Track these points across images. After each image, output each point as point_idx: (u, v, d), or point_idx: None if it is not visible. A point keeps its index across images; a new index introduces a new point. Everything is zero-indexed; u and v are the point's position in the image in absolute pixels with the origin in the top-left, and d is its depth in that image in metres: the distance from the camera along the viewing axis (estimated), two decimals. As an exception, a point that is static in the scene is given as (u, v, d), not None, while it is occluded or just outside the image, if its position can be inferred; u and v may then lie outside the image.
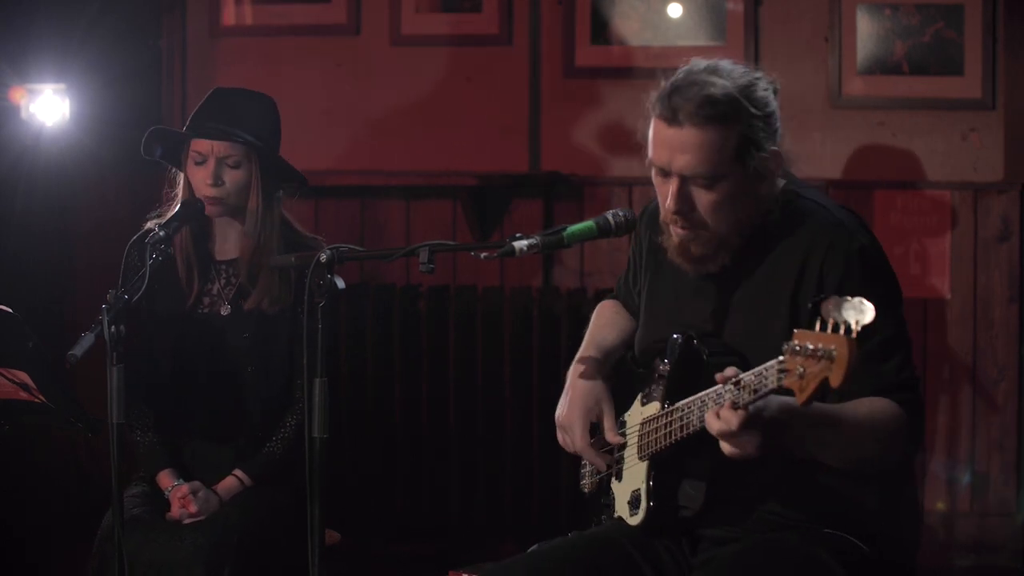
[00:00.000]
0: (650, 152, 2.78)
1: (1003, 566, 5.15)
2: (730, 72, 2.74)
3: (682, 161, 2.72)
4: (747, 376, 2.52)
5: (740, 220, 2.78)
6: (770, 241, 2.80)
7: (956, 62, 5.12)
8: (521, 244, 2.79)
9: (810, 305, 2.39)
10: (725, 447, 2.59)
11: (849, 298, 2.33)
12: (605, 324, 3.17)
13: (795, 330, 2.39)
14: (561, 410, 3.03)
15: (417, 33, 5.45)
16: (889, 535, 2.83)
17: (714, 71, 2.74)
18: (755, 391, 2.50)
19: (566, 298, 5.28)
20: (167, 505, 3.53)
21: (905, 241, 5.14)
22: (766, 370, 2.47)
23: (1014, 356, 5.16)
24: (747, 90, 2.73)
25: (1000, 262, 5.16)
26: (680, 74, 2.76)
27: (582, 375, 3.03)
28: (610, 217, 2.85)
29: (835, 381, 2.32)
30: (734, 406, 2.52)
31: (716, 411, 2.56)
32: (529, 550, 3.02)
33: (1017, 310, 5.15)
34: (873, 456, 2.71)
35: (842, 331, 2.31)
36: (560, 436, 3.03)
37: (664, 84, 2.76)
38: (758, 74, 2.78)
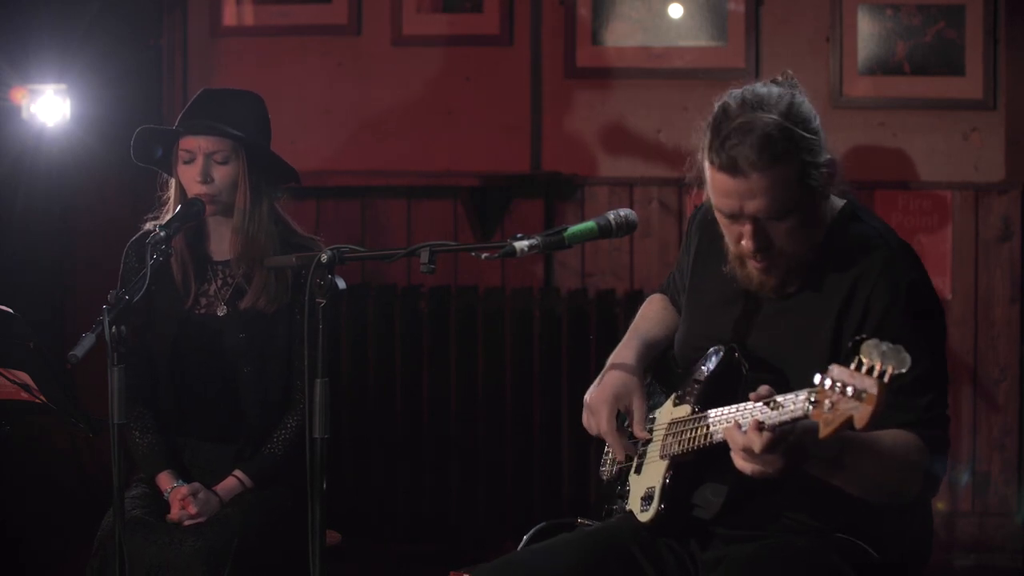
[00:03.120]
0: (713, 198, 2.76)
1: (1003, 566, 5.15)
2: (768, 98, 2.71)
3: (753, 206, 2.69)
4: (780, 398, 2.51)
5: (814, 237, 2.78)
6: (823, 261, 2.79)
7: (957, 62, 5.12)
8: (522, 244, 2.79)
9: (850, 344, 2.36)
10: (744, 466, 2.56)
11: (890, 344, 2.31)
12: (651, 318, 3.17)
13: (831, 365, 2.38)
14: (592, 391, 3.03)
15: (418, 33, 5.45)
16: (901, 542, 2.83)
17: (755, 104, 2.70)
18: (782, 416, 2.49)
19: (567, 299, 5.28)
20: (167, 507, 3.52)
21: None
22: (796, 397, 2.46)
23: (1015, 356, 5.16)
24: (792, 112, 2.70)
25: (1001, 262, 5.16)
26: (721, 114, 2.71)
27: (620, 363, 3.03)
28: (611, 217, 2.85)
29: (859, 423, 2.31)
30: (759, 427, 2.51)
31: (740, 427, 2.55)
32: (532, 531, 3.03)
33: (1018, 310, 5.15)
34: (891, 489, 2.71)
35: (876, 374, 2.31)
36: (585, 417, 3.03)
37: (708, 127, 2.72)
38: (792, 89, 2.75)
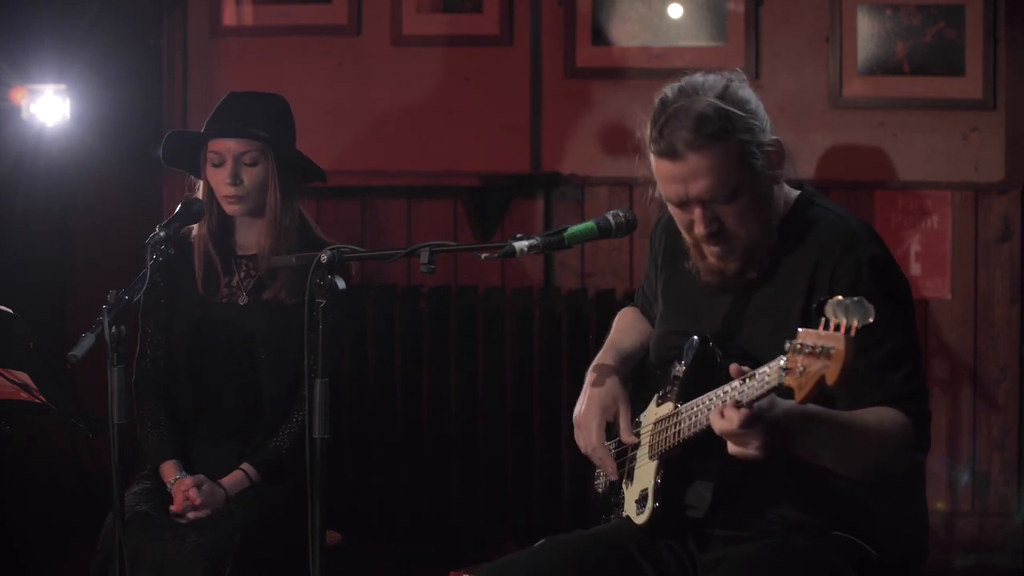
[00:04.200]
0: (661, 188, 2.80)
1: (1003, 566, 5.15)
2: (702, 85, 2.76)
3: (696, 189, 2.73)
4: (755, 372, 2.52)
5: (768, 219, 2.79)
6: (785, 247, 2.81)
7: (957, 62, 5.12)
8: (522, 245, 2.79)
9: (815, 305, 2.39)
10: (730, 447, 2.59)
11: (852, 298, 2.33)
12: (625, 329, 3.19)
13: (799, 329, 2.39)
14: (579, 409, 3.04)
15: (418, 33, 5.45)
16: (898, 540, 2.83)
17: (687, 92, 2.75)
18: (759, 389, 2.50)
19: (567, 299, 5.28)
20: (171, 501, 3.54)
21: (905, 241, 5.14)
22: (769, 368, 2.47)
23: (1015, 356, 5.16)
24: (727, 94, 2.74)
25: (1001, 262, 5.16)
26: (659, 105, 2.76)
27: (600, 376, 3.04)
28: (611, 218, 2.86)
29: (831, 378, 2.32)
30: (736, 404, 2.53)
31: (720, 410, 2.56)
32: (535, 546, 3.04)
33: (1018, 310, 5.15)
34: (878, 465, 2.71)
35: (842, 330, 2.32)
36: (577, 435, 3.04)
37: (649, 121, 2.77)
38: (728, 75, 2.79)
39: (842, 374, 2.31)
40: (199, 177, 3.67)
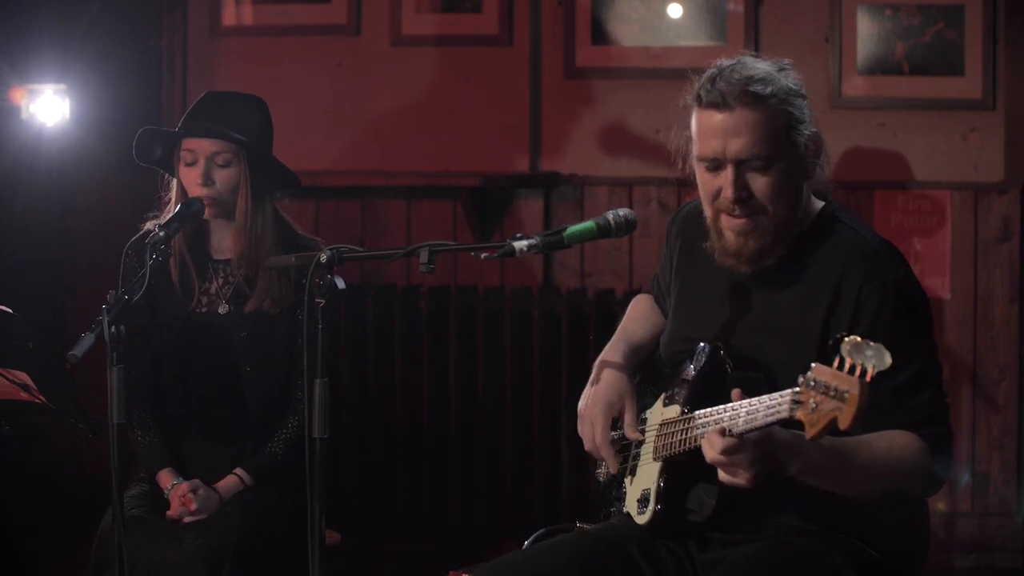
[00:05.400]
0: (697, 146, 2.78)
1: (1003, 566, 5.16)
2: (757, 60, 2.78)
3: (737, 144, 2.71)
4: (765, 399, 2.51)
5: (795, 206, 2.77)
6: (806, 259, 2.80)
7: (956, 62, 5.12)
8: (521, 244, 2.79)
9: (831, 342, 2.37)
10: (720, 474, 2.58)
11: (870, 342, 2.31)
12: (637, 318, 3.18)
13: (813, 364, 2.38)
14: (584, 402, 3.03)
15: (417, 33, 5.45)
16: (899, 541, 2.83)
17: (743, 63, 2.76)
18: (765, 417, 2.49)
19: (566, 298, 5.28)
20: (167, 505, 3.53)
21: (905, 241, 5.14)
22: (781, 396, 2.46)
23: (1015, 356, 5.16)
24: (782, 71, 2.77)
25: (1001, 262, 5.16)
26: (713, 68, 2.77)
27: (608, 368, 3.03)
28: (610, 217, 2.85)
29: (843, 423, 2.32)
30: (722, 432, 2.52)
31: (708, 437, 2.56)
32: (532, 537, 3.04)
33: (1018, 310, 5.15)
34: (885, 489, 2.71)
35: (857, 373, 2.31)
36: (580, 427, 3.03)
37: (698, 80, 2.78)
38: (781, 61, 2.81)
39: (854, 420, 2.30)
40: (173, 175, 3.62)
